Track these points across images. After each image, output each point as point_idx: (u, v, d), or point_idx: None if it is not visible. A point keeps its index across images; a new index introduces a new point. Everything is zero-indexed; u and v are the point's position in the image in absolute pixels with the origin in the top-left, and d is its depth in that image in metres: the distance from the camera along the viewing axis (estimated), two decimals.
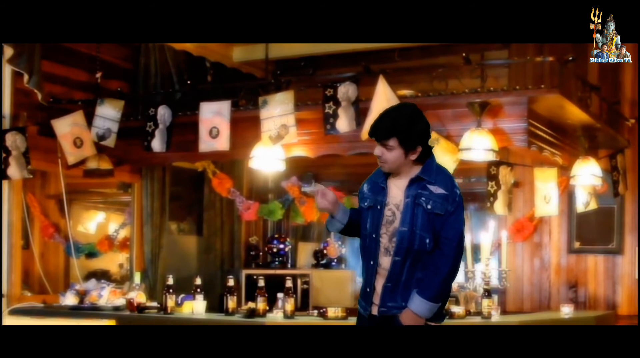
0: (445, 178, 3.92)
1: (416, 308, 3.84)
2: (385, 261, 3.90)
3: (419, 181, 3.86)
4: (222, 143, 6.29)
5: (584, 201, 7.12)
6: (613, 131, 7.13)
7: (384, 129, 3.82)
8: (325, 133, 6.03)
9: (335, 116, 5.92)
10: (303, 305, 7.57)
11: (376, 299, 3.96)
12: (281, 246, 8.24)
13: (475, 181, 7.97)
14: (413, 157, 3.84)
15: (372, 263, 3.93)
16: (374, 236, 3.91)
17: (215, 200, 8.35)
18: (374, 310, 3.97)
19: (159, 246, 7.80)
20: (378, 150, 3.87)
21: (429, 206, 3.82)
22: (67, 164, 6.87)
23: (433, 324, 3.94)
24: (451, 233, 3.84)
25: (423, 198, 3.83)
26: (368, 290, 3.97)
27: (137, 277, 7.22)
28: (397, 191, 3.91)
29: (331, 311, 5.88)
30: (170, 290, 6.19)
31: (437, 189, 3.84)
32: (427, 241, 3.83)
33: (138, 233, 7.79)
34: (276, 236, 8.50)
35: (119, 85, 7.29)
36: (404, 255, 3.85)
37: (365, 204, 3.98)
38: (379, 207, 3.91)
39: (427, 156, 3.90)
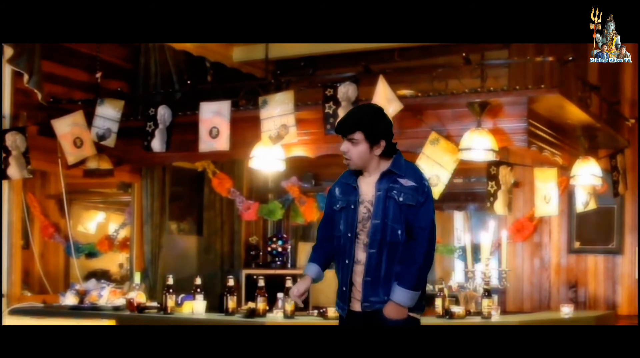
0: (414, 171, 4.09)
1: (398, 299, 3.94)
2: (363, 257, 4.02)
3: (390, 174, 4.02)
4: (222, 143, 6.29)
5: (583, 201, 7.12)
6: (613, 131, 7.13)
7: (349, 123, 4.03)
8: (325, 133, 6.03)
9: (335, 116, 5.92)
10: (303, 305, 7.55)
11: (357, 295, 4.04)
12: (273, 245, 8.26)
13: (475, 181, 7.97)
14: (377, 151, 4.01)
15: (347, 261, 4.05)
16: (349, 235, 4.03)
17: (215, 200, 8.34)
18: (355, 306, 4.05)
19: (159, 246, 7.80)
20: (344, 146, 4.05)
21: (400, 199, 3.97)
22: (67, 164, 6.86)
23: (415, 315, 4.02)
24: (424, 222, 3.98)
25: (395, 191, 3.99)
26: (344, 288, 4.08)
27: (137, 277, 7.22)
28: (367, 188, 4.06)
29: (331, 311, 5.88)
30: (170, 290, 6.19)
31: (407, 182, 4.00)
32: (399, 232, 3.96)
33: (138, 233, 7.78)
34: (269, 237, 8.50)
35: (119, 85, 7.29)
36: (378, 246, 3.98)
37: (338, 206, 4.11)
38: (352, 206, 4.05)
39: (392, 153, 4.06)
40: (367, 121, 3.99)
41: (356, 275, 4.03)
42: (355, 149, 4.00)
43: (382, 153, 4.02)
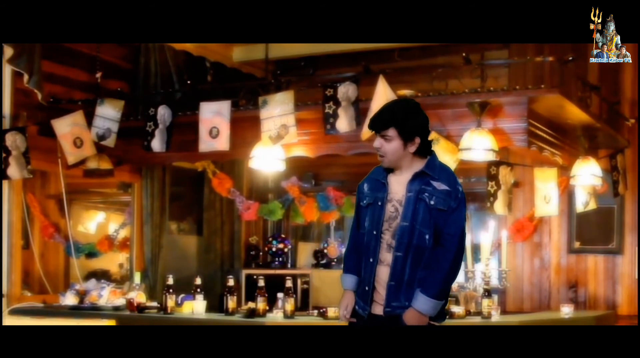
0: (448, 174, 3.94)
1: (420, 307, 3.84)
2: (387, 258, 3.90)
3: (423, 176, 3.89)
4: (222, 143, 6.29)
5: (583, 201, 7.12)
6: (613, 131, 7.13)
7: (382, 120, 3.89)
8: (325, 133, 6.03)
9: (335, 116, 5.92)
10: (303, 305, 7.57)
11: (378, 298, 3.95)
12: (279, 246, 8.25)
13: (475, 181, 7.97)
14: (412, 149, 3.88)
15: (371, 260, 3.93)
16: (374, 233, 3.92)
17: (215, 200, 8.35)
18: (377, 310, 3.96)
19: (159, 246, 7.80)
20: (377, 142, 3.92)
21: (432, 202, 3.85)
22: (67, 164, 6.86)
23: (435, 324, 3.94)
24: (453, 228, 3.86)
25: (426, 194, 3.86)
26: (367, 288, 3.96)
27: (137, 277, 7.22)
28: (398, 186, 3.93)
29: (331, 311, 5.88)
30: (170, 290, 6.19)
31: (440, 186, 3.87)
32: (427, 237, 3.84)
33: (138, 233, 7.79)
34: (269, 237, 8.51)
35: (119, 85, 7.29)
36: (404, 250, 3.86)
37: (365, 202, 3.99)
38: (379, 203, 3.92)
39: (427, 152, 3.94)
40: (401, 116, 3.85)
41: (379, 276, 3.92)
42: (389, 146, 3.86)
43: (417, 151, 3.88)
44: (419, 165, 3.91)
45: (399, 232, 3.86)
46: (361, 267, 4.01)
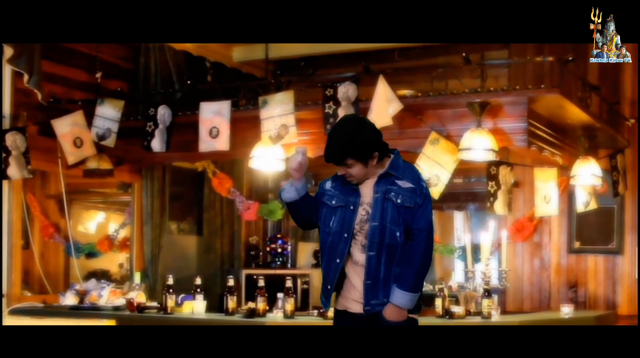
0: (411, 172, 4.07)
1: (398, 301, 3.95)
2: (361, 259, 4.01)
3: (388, 176, 4.02)
4: (222, 143, 6.29)
5: (584, 201, 7.12)
6: (613, 131, 7.13)
7: (337, 154, 3.97)
8: (325, 133, 6.01)
9: (335, 116, 5.92)
10: (303, 305, 7.57)
11: (356, 295, 4.02)
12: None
13: (475, 181, 7.97)
14: (374, 162, 4.00)
15: (337, 260, 4.03)
16: (345, 235, 4.01)
17: (215, 200, 8.35)
18: (355, 307, 4.03)
19: (159, 246, 7.80)
20: (341, 171, 4.02)
21: (398, 201, 3.97)
22: (67, 164, 6.86)
23: (414, 316, 4.03)
24: (421, 223, 3.98)
25: (392, 193, 3.98)
26: (329, 287, 4.07)
27: (137, 277, 7.23)
28: (367, 190, 4.05)
29: (331, 312, 5.86)
30: (170, 290, 6.19)
31: (405, 184, 3.99)
32: (398, 234, 3.96)
33: (138, 233, 7.78)
34: (269, 237, 8.50)
35: (119, 85, 7.29)
36: (377, 249, 3.97)
37: (334, 202, 4.07)
38: (352, 207, 4.03)
39: (387, 154, 4.04)
40: (352, 144, 3.91)
41: (356, 275, 4.02)
42: (353, 170, 3.98)
43: (379, 159, 4.00)
44: (383, 167, 4.03)
45: (370, 232, 3.98)
46: (309, 199, 4.09)
